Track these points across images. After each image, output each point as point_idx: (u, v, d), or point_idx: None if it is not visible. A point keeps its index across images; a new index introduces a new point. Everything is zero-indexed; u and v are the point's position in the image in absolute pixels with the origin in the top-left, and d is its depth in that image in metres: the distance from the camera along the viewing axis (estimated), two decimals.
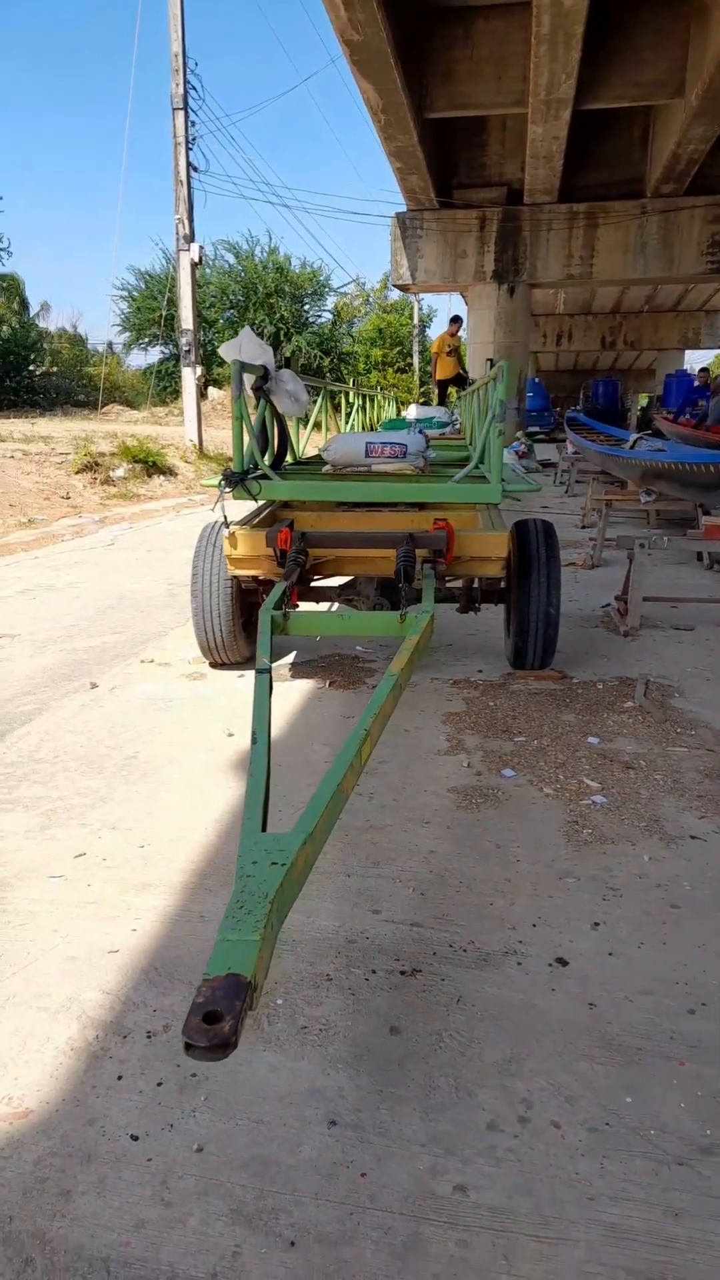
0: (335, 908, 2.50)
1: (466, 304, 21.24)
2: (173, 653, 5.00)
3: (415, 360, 42.20)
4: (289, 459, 5.36)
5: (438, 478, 4.29)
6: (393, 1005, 2.11)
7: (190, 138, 16.62)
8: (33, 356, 33.96)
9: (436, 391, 16.89)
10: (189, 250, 16.83)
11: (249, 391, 4.10)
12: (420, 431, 4.67)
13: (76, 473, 13.14)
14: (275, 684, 4.43)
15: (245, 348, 4.27)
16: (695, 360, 40.41)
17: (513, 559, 4.40)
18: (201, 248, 17.07)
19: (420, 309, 43.06)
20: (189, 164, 16.66)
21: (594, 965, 2.26)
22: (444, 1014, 2.08)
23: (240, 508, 4.29)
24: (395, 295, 42.20)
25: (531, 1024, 2.06)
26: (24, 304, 49.12)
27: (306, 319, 36.66)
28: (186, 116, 16.50)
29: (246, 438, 3.92)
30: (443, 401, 17.29)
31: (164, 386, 33.09)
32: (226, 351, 4.26)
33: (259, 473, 4.04)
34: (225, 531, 3.86)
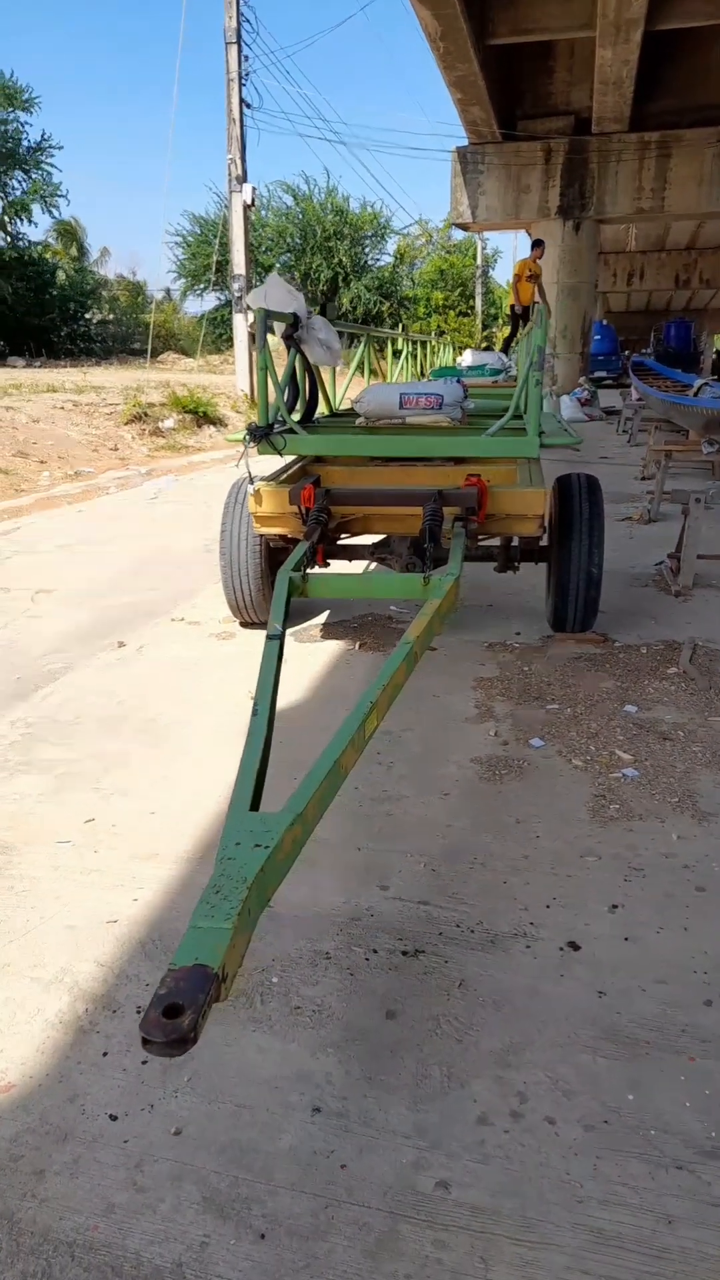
0: (343, 883, 2.44)
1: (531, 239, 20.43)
2: (204, 611, 4.95)
3: (478, 303, 41.00)
4: (324, 411, 5.21)
5: (476, 430, 4.10)
6: (391, 987, 2.05)
7: (244, 73, 16.16)
8: (89, 304, 33.93)
9: (511, 323, 16.41)
10: (241, 191, 16.48)
11: (279, 340, 3.95)
12: (459, 380, 4.46)
13: (125, 424, 13.12)
14: (303, 645, 4.38)
15: (272, 294, 4.12)
16: None
17: (553, 516, 4.22)
18: (254, 189, 16.70)
19: (484, 249, 41.71)
20: (242, 100, 16.23)
21: (608, 950, 2.16)
22: (444, 998, 2.01)
23: (274, 463, 4.18)
24: (458, 236, 40.95)
25: (535, 1012, 1.97)
26: (82, 250, 49.09)
27: (366, 263, 35.87)
28: (240, 51, 16.03)
29: (271, 390, 3.79)
30: (515, 333, 16.79)
31: (219, 334, 32.80)
32: (254, 298, 4.11)
33: (285, 427, 3.90)
34: (250, 488, 3.76)
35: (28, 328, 32.62)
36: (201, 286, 35.81)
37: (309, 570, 3.24)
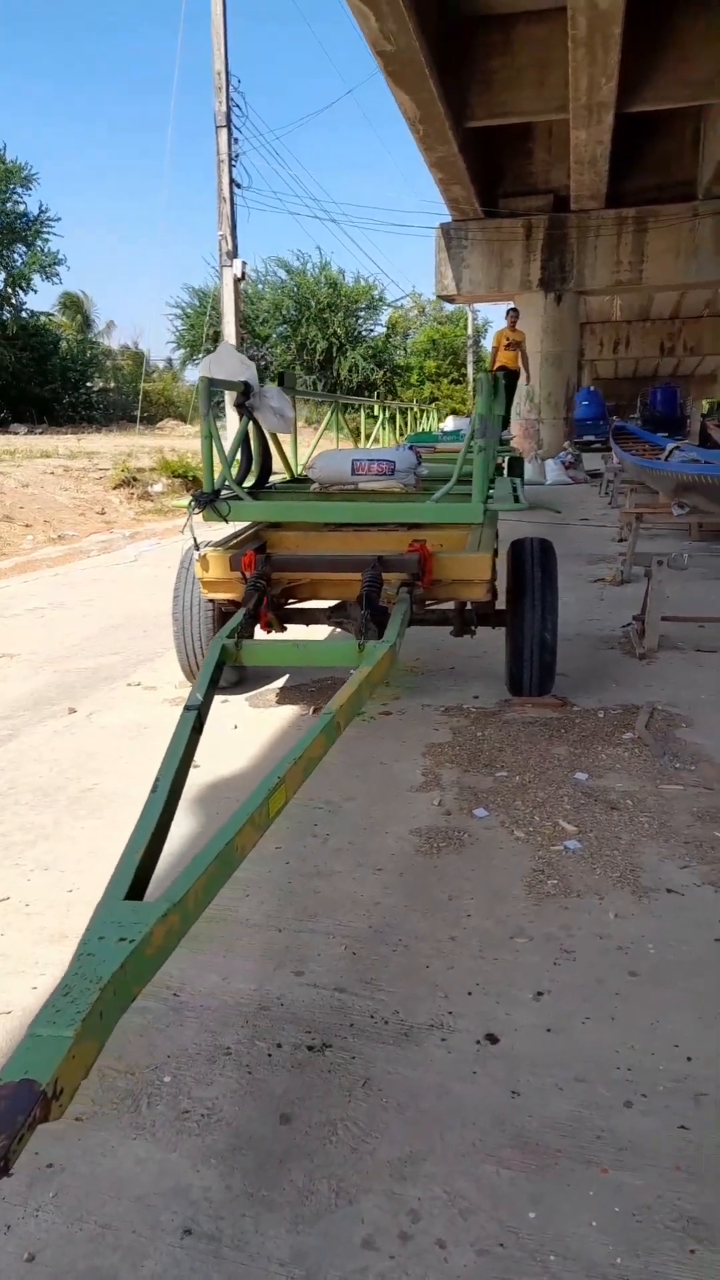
0: (256, 968, 2.30)
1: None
2: (162, 675, 4.86)
3: (470, 371, 41.87)
4: (285, 476, 5.20)
5: (424, 496, 4.07)
6: (291, 1087, 1.90)
7: (233, 155, 16.71)
8: (90, 373, 34.60)
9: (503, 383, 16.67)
10: (232, 266, 16.91)
11: (222, 410, 3.94)
12: (410, 448, 4.45)
13: (114, 488, 13.21)
14: (257, 710, 4.28)
15: (225, 363, 4.13)
16: None
17: (508, 581, 4.16)
18: (245, 263, 17.14)
19: (475, 319, 42.77)
20: (232, 180, 16.75)
21: (528, 1043, 2.02)
22: (345, 1099, 1.86)
23: (234, 529, 4.14)
24: (450, 308, 42.04)
25: (441, 1114, 1.82)
26: (88, 321, 50.37)
27: (360, 333, 36.72)
28: (230, 134, 16.61)
29: (216, 457, 3.76)
30: (508, 393, 17.06)
31: (216, 402, 33.39)
32: (205, 368, 4.12)
33: (231, 494, 3.87)
34: (196, 554, 3.70)
35: (30, 396, 33.27)
36: (199, 356, 36.57)
37: (243, 638, 3.15)
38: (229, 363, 4.13)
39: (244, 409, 4.18)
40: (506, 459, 12.98)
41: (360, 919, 2.51)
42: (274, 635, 3.72)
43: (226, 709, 4.30)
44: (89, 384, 34.57)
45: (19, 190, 28.98)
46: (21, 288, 31.63)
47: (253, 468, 4.40)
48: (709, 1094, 1.86)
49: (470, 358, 42.16)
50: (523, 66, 14.38)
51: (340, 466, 4.30)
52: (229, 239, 16.76)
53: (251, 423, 4.26)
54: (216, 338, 26.96)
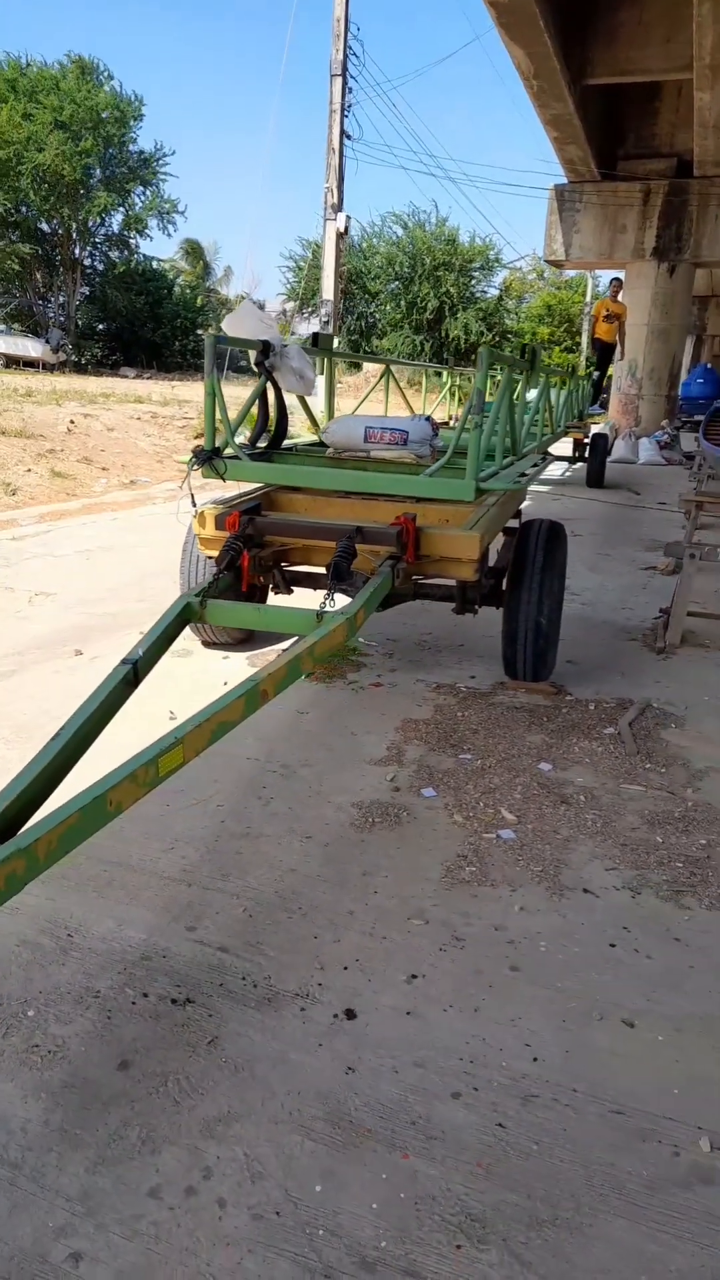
0: (153, 918, 2.38)
1: (625, 281, 20.12)
2: None
3: (584, 339, 40.61)
4: (315, 437, 5.20)
5: (420, 469, 4.02)
6: (140, 1036, 1.97)
7: (346, 105, 16.48)
8: (202, 320, 35.01)
9: (596, 355, 16.32)
10: (335, 220, 16.77)
11: (230, 367, 3.95)
12: (427, 419, 4.38)
13: (196, 437, 13.40)
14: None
15: (246, 321, 4.14)
16: None
17: (509, 562, 4.09)
18: (349, 217, 16.96)
19: (595, 286, 41.34)
20: (343, 132, 16.53)
21: (382, 1023, 2.04)
22: (187, 1055, 1.93)
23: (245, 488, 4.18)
24: (570, 273, 40.74)
25: (272, 1081, 1.87)
26: (207, 269, 50.89)
27: (473, 294, 36.00)
28: (344, 83, 16.36)
29: (218, 414, 3.79)
30: (602, 366, 16.64)
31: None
32: (228, 325, 4.14)
33: (230, 452, 3.90)
34: (194, 510, 3.76)
35: (142, 340, 33.95)
36: (309, 309, 36.54)
37: (212, 599, 3.18)
38: (249, 321, 4.13)
39: (263, 368, 4.18)
40: (590, 436, 12.68)
41: (270, 883, 2.56)
42: (312, 592, 3.74)
43: (225, 664, 4.39)
44: (198, 331, 34.95)
45: (134, 125, 29.14)
46: (139, 231, 32.06)
47: (269, 426, 4.41)
48: (539, 1096, 1.85)
49: (585, 325, 40.84)
50: (651, 22, 13.70)
51: (354, 432, 4.27)
52: (334, 192, 16.60)
53: (270, 383, 4.26)
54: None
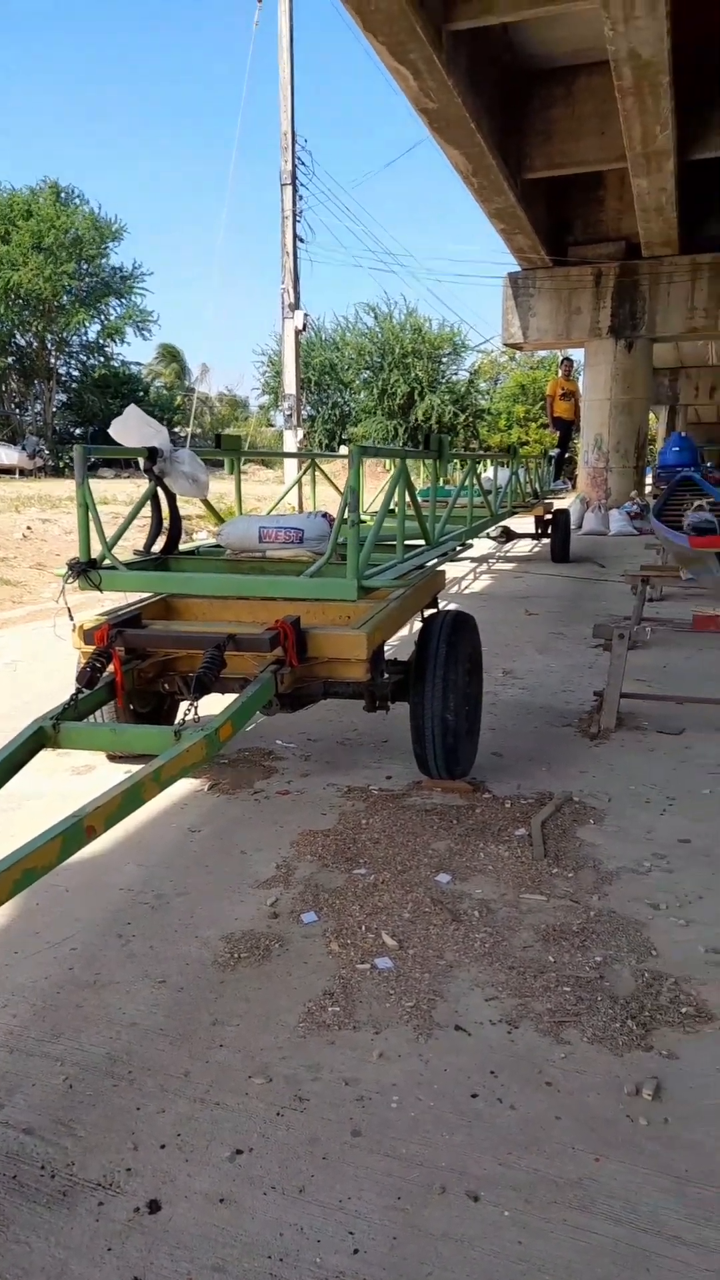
0: None
1: (585, 359, 20.59)
2: None
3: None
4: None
5: (301, 568, 3.90)
6: None
7: (298, 211, 17.08)
8: (176, 419, 35.81)
9: (558, 434, 16.63)
10: (293, 318, 17.20)
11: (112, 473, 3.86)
12: (324, 515, 4.29)
13: None
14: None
15: (132, 426, 4.07)
16: None
17: (413, 657, 3.93)
18: (306, 315, 17.42)
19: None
20: (296, 236, 17.10)
21: (189, 1216, 1.78)
22: None
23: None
24: (543, 353, 41.89)
25: None
26: (183, 370, 52.55)
27: (443, 378, 36.89)
28: (295, 191, 16.99)
29: (93, 526, 3.69)
30: (563, 443, 16.91)
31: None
32: (115, 431, 4.07)
33: (108, 563, 3.78)
34: (70, 624, 3.62)
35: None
36: (282, 402, 37.41)
37: (65, 721, 3.00)
38: (136, 426, 4.06)
39: (151, 473, 4.10)
40: (553, 512, 12.69)
41: (104, 1043, 2.31)
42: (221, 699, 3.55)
43: None
44: (175, 430, 35.72)
45: (110, 245, 30.38)
46: (115, 340, 33.12)
47: (163, 531, 4.32)
48: None
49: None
50: (584, 116, 14.28)
51: (248, 533, 4.17)
52: (290, 292, 17.07)
53: (161, 487, 4.18)
54: (303, 385, 27.57)
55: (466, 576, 11.31)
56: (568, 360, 14.34)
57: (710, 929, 2.82)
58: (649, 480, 21.99)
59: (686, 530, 6.78)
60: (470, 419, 36.37)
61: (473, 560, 12.26)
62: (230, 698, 3.09)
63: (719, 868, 3.24)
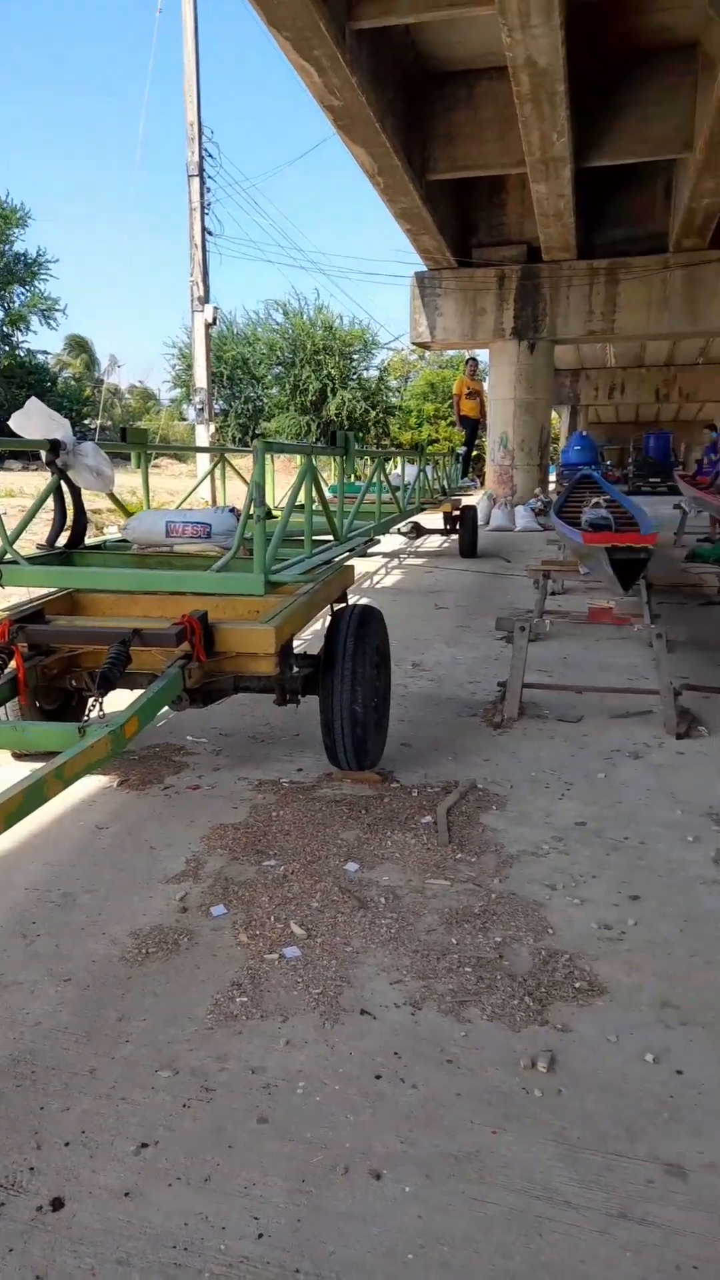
0: None
1: (490, 359, 20.99)
2: None
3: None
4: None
5: (208, 563, 3.90)
6: None
7: (205, 203, 16.90)
8: (86, 411, 34.95)
9: (465, 431, 16.93)
10: (203, 311, 17.02)
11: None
12: (231, 510, 4.29)
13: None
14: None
15: (34, 418, 3.99)
16: None
17: (321, 650, 3.97)
18: (215, 308, 17.25)
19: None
20: (204, 229, 16.92)
21: (92, 1212, 1.78)
22: None
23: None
24: (452, 352, 42.53)
25: None
26: (93, 360, 51.41)
27: (354, 375, 37.05)
28: (202, 183, 16.80)
29: None
30: (469, 441, 17.22)
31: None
32: (16, 423, 3.99)
33: (9, 558, 3.71)
34: None
35: None
36: (194, 395, 36.95)
37: None
38: (38, 419, 3.99)
39: (54, 466, 4.03)
40: (461, 508, 12.92)
41: (7, 1044, 2.28)
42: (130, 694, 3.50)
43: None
44: (85, 422, 34.88)
45: (15, 231, 29.47)
46: (20, 329, 32.12)
47: (67, 525, 4.24)
48: None
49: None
50: (486, 120, 14.52)
51: (155, 527, 4.14)
52: (200, 285, 16.89)
53: (65, 481, 4.10)
54: (215, 378, 27.26)
55: (378, 571, 11.40)
56: (473, 360, 14.64)
57: (602, 907, 2.95)
58: (552, 478, 22.59)
59: (583, 526, 7.00)
60: (381, 415, 36.63)
61: (384, 555, 12.40)
62: (138, 693, 3.07)
63: (611, 848, 3.39)
